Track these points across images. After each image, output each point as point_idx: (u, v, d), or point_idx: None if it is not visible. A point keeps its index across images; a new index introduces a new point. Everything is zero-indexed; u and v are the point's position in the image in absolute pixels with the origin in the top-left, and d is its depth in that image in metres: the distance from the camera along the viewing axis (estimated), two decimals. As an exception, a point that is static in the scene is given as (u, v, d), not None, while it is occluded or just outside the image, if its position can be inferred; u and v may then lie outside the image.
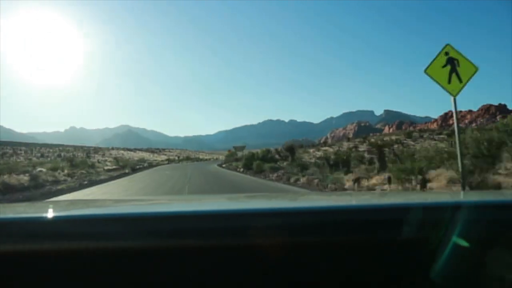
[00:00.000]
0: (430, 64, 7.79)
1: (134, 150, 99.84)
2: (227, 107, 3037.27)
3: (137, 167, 38.72)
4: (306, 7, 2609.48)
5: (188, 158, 77.36)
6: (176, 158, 78.95)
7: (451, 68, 7.63)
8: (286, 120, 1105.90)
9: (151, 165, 48.74)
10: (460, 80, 7.58)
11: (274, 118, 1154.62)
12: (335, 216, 0.99)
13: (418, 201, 1.34)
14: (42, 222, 0.95)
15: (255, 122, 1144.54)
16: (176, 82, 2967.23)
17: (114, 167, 33.88)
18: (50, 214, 1.06)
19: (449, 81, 7.60)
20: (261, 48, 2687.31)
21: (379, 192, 8.76)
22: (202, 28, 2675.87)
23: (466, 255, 0.88)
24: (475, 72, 7.68)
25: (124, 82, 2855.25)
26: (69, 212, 1.29)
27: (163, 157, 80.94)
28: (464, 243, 0.86)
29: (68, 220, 0.99)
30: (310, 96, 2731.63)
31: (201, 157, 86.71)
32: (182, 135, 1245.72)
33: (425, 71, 7.81)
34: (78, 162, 30.97)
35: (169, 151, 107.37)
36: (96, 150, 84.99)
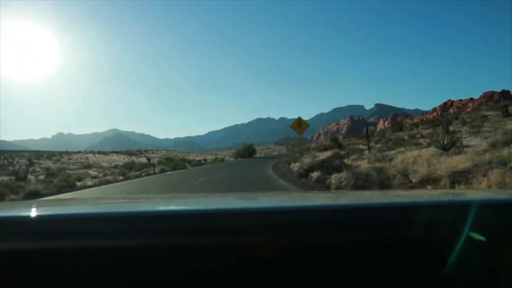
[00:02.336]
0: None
1: (108, 153, 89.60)
2: (216, 107, 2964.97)
3: None
4: (295, 4, 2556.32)
5: (168, 160, 44.45)
6: (148, 161, 42.46)
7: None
8: (276, 118, 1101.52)
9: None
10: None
11: (264, 116, 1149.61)
12: (342, 214, 0.99)
13: (428, 200, 1.35)
14: (34, 221, 0.95)
15: (245, 121, 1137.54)
16: (164, 85, 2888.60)
17: None
18: (39, 212, 1.05)
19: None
20: (248, 48, 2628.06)
21: (384, 191, 7.76)
22: (188, 29, 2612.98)
23: (479, 252, 0.89)
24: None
25: (112, 86, 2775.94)
26: (61, 210, 1.29)
27: (141, 160, 53.25)
28: (479, 237, 0.87)
29: (60, 219, 0.98)
30: (298, 93, 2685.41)
31: (191, 158, 63.42)
32: (172, 137, 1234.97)
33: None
34: None
35: (153, 153, 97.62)
36: (50, 155, 73.43)
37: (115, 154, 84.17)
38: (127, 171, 32.75)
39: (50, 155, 72.66)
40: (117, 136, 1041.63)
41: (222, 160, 55.56)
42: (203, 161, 52.62)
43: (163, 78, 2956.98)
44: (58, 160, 62.01)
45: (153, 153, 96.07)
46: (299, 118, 22.26)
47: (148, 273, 0.88)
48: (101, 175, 30.11)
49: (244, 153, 55.46)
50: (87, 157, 70.87)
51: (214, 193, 10.45)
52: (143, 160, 52.04)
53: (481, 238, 0.86)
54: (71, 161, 60.70)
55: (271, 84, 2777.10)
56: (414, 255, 0.92)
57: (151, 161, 37.87)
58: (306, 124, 22.36)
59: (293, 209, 1.11)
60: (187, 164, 42.31)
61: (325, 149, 31.30)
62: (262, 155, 59.68)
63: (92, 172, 33.99)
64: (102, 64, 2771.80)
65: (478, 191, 1.65)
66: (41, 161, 59.53)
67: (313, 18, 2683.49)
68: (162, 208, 1.34)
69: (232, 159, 56.35)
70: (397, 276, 0.92)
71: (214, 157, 66.45)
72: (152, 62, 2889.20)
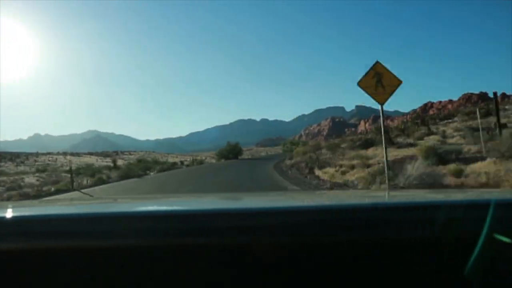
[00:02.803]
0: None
1: (82, 154, 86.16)
2: (197, 108, 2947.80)
3: None
4: (274, 5, 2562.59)
5: (140, 163, 39.30)
6: (114, 164, 37.57)
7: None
8: (258, 119, 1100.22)
9: None
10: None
11: (246, 118, 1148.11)
12: (344, 215, 0.98)
13: (450, 199, 1.34)
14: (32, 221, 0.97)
15: (226, 122, 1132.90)
16: (145, 86, 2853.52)
17: None
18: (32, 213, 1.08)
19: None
20: (230, 49, 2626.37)
21: (390, 190, 7.44)
22: (168, 30, 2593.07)
23: (500, 252, 0.87)
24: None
25: (92, 86, 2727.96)
26: (60, 211, 1.32)
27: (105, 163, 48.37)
28: (504, 239, 0.85)
29: (59, 219, 0.98)
30: (280, 95, 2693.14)
31: (170, 160, 57.90)
32: (153, 138, 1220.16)
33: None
34: None
35: (130, 154, 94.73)
36: (14, 157, 69.32)
37: (89, 156, 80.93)
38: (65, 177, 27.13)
39: (14, 156, 69.01)
40: (97, 137, 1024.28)
41: (202, 162, 47.57)
42: (178, 163, 44.23)
43: (143, 79, 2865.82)
44: (22, 162, 58.81)
45: (130, 154, 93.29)
46: (378, 64, 9.89)
47: (148, 273, 0.88)
48: (38, 183, 26.82)
49: (228, 154, 48.72)
50: (56, 159, 67.58)
51: (214, 192, 10.39)
52: (120, 161, 48.76)
53: (506, 239, 0.84)
54: (37, 163, 57.64)
55: (252, 85, 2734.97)
56: (423, 255, 0.90)
57: (114, 163, 32.41)
58: (395, 79, 9.88)
59: (294, 209, 1.10)
60: (156, 167, 33.59)
61: (366, 144, 20.53)
62: (250, 156, 55.60)
63: (31, 179, 29.79)
64: (80, 64, 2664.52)
65: (488, 192, 1.69)
66: (1, 164, 56.50)
67: (292, 20, 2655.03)
68: (162, 208, 1.33)
69: (214, 160, 50.43)
70: (403, 277, 0.90)
71: (188, 158, 56.20)
72: (132, 63, 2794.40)
